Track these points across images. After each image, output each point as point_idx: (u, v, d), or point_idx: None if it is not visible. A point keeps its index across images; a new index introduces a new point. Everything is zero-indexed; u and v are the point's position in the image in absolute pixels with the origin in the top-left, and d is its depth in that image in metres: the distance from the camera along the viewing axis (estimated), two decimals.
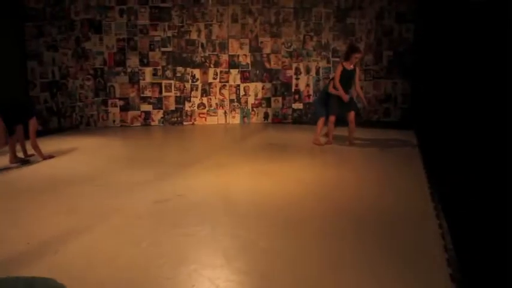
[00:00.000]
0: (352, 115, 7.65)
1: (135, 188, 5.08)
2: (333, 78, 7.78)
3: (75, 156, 7.01)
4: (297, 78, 10.53)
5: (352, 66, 7.53)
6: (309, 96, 10.54)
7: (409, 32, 10.27)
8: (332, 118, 7.68)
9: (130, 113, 10.28)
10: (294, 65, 10.48)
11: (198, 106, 10.45)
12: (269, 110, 10.61)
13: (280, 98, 10.58)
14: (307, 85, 10.54)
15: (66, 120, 10.06)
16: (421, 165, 6.20)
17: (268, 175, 5.68)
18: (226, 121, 10.55)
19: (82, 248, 3.46)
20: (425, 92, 9.52)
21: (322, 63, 10.44)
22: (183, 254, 3.32)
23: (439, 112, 8.82)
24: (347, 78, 7.52)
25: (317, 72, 10.48)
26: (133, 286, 2.85)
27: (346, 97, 7.47)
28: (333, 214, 4.22)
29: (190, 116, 10.45)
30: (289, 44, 10.40)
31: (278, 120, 10.60)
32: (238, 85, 10.48)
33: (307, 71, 10.50)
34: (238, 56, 10.37)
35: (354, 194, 4.91)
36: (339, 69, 7.53)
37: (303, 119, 10.55)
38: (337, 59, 10.30)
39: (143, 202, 4.57)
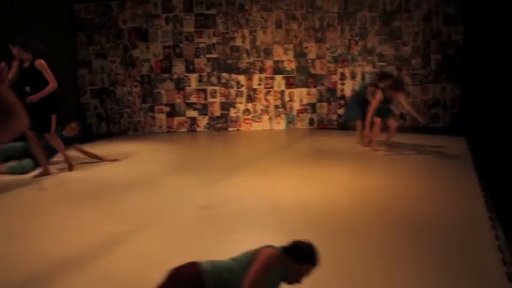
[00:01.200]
0: (391, 121, 7.67)
1: (182, 193, 5.15)
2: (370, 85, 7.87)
3: (124, 162, 7.17)
4: (342, 84, 10.40)
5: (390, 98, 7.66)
6: None
7: (459, 34, 9.97)
8: (378, 120, 7.61)
9: (176, 119, 10.45)
10: (339, 70, 10.36)
11: (243, 112, 10.49)
12: (314, 116, 10.52)
13: (325, 104, 10.48)
14: (353, 90, 10.38)
15: (114, 126, 10.34)
16: (474, 172, 5.99)
17: (315, 181, 5.63)
18: (271, 127, 10.54)
19: (132, 252, 3.52)
20: (476, 96, 9.20)
21: (368, 68, 10.26)
22: None
23: (492, 117, 8.49)
24: (386, 106, 7.62)
25: (362, 77, 10.31)
26: None
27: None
28: (385, 223, 4.13)
29: (236, 121, 10.51)
30: (334, 49, 10.30)
31: (323, 125, 10.49)
32: (283, 91, 10.46)
33: (353, 76, 10.36)
34: (282, 61, 10.37)
35: (404, 202, 4.79)
36: (378, 96, 7.52)
37: (348, 125, 10.39)
38: (383, 64, 10.14)
39: (191, 207, 4.62)
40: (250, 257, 2.40)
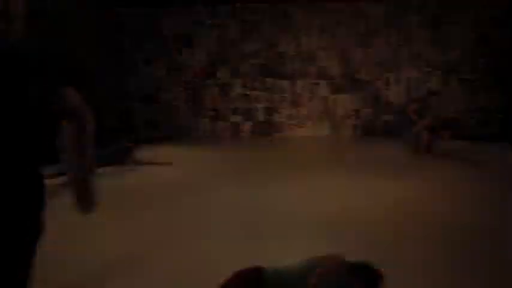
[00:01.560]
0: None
1: (231, 200, 5.10)
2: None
3: (171, 166, 7.17)
4: (387, 89, 10.30)
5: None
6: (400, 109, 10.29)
7: (508, 39, 9.79)
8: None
9: (221, 124, 10.49)
10: (385, 76, 10.26)
11: (287, 117, 10.48)
12: (358, 122, 10.44)
13: (370, 110, 10.38)
14: (399, 96, 10.29)
15: (160, 131, 10.43)
16: None
17: (362, 190, 5.52)
18: (314, 133, 10.49)
19: (190, 254, 3.50)
20: None
21: (414, 74, 10.15)
22: None
23: None
24: None
25: (408, 83, 10.20)
26: None
27: None
28: (430, 233, 4.03)
29: (280, 127, 10.50)
30: (379, 55, 10.22)
31: (368, 131, 10.40)
32: (327, 96, 10.41)
33: (398, 82, 10.25)
34: (327, 67, 10.33)
35: (449, 212, 4.65)
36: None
37: (393, 131, 10.28)
38: (430, 69, 10.01)
39: (241, 214, 4.57)
40: (311, 264, 2.40)
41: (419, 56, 10.11)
